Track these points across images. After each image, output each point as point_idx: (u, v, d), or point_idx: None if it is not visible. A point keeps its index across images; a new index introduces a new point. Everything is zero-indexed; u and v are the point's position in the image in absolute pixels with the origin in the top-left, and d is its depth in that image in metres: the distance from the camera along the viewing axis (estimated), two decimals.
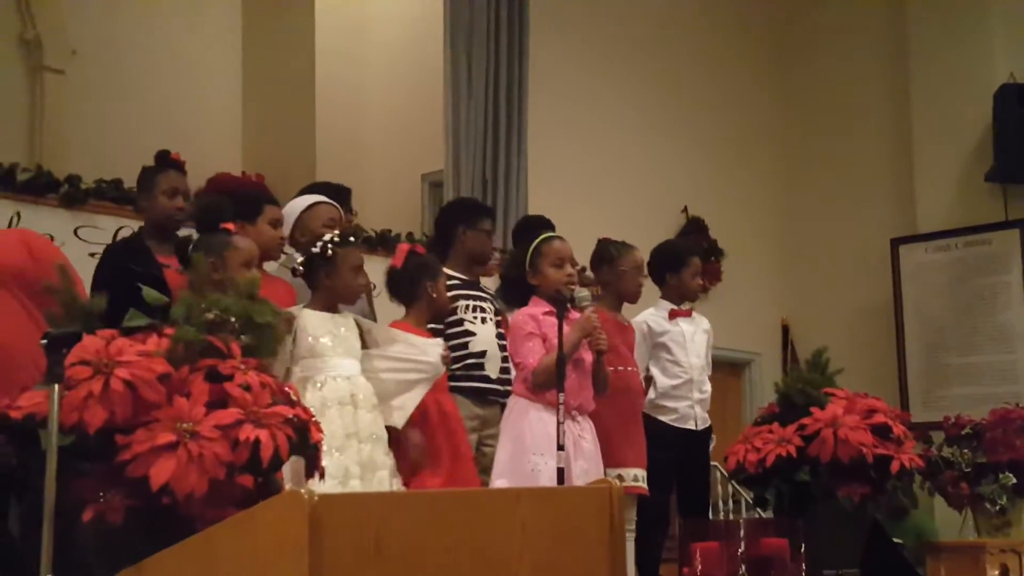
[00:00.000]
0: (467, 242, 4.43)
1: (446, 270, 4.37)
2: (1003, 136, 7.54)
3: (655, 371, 4.68)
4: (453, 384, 4.15)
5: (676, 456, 4.54)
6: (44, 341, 2.11)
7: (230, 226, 3.51)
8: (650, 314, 4.74)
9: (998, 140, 7.59)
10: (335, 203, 4.17)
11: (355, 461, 3.41)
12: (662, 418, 4.60)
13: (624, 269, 4.30)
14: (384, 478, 3.50)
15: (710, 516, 5.32)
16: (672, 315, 4.73)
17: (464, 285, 4.35)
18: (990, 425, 5.17)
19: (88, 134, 6.44)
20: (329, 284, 3.55)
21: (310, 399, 3.40)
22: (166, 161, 4.03)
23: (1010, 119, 7.49)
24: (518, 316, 3.74)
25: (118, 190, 5.39)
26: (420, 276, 3.89)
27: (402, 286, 3.95)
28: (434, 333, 4.17)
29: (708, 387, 4.78)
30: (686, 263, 4.77)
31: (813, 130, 9.00)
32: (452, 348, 4.22)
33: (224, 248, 3.36)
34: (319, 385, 3.45)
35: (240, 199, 4.01)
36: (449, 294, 4.24)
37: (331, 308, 3.58)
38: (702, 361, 4.75)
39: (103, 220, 5.31)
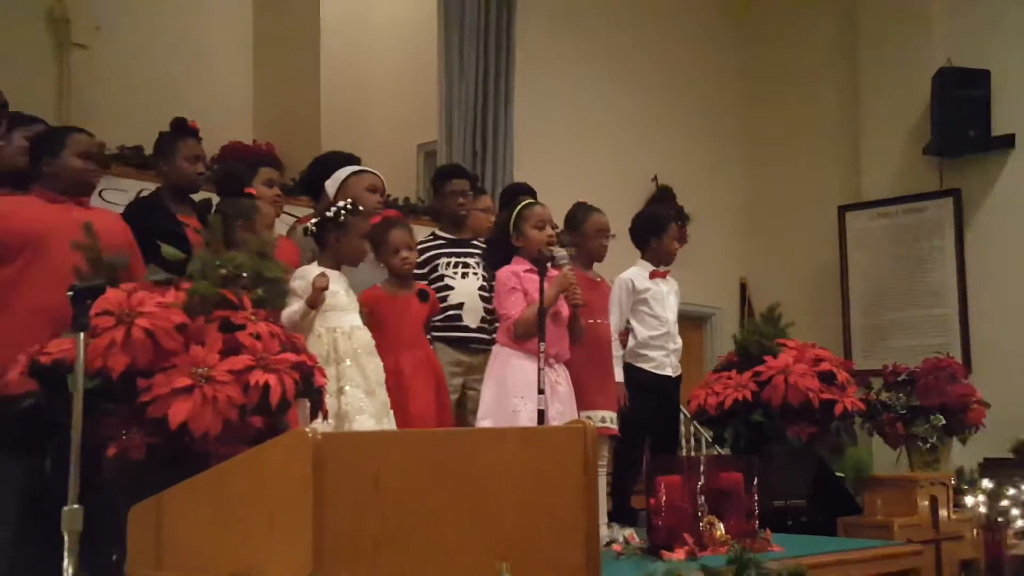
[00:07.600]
0: (441, 206, 4.44)
1: (438, 232, 4.39)
2: (940, 114, 7.56)
3: (635, 323, 4.68)
4: (436, 334, 4.13)
5: (656, 400, 4.57)
6: (70, 293, 2.07)
7: (252, 191, 3.48)
8: (634, 272, 4.75)
9: (936, 118, 7.61)
10: (378, 173, 4.10)
11: (382, 402, 3.39)
12: (643, 366, 4.62)
13: (586, 231, 4.22)
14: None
15: None
16: (652, 275, 4.74)
17: (448, 244, 4.35)
18: (923, 373, 5.21)
19: (111, 105, 6.33)
20: (337, 246, 3.53)
21: (343, 347, 3.34)
22: (183, 128, 3.96)
23: (947, 99, 7.52)
24: (502, 273, 3.72)
25: (139, 156, 5.42)
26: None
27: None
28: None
29: (680, 341, 4.81)
30: (666, 229, 4.80)
31: (771, 108, 8.96)
32: None
33: (253, 212, 3.36)
34: (346, 335, 3.39)
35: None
36: (429, 253, 4.25)
37: (336, 268, 3.56)
38: (675, 317, 4.78)
39: (125, 183, 5.29)
